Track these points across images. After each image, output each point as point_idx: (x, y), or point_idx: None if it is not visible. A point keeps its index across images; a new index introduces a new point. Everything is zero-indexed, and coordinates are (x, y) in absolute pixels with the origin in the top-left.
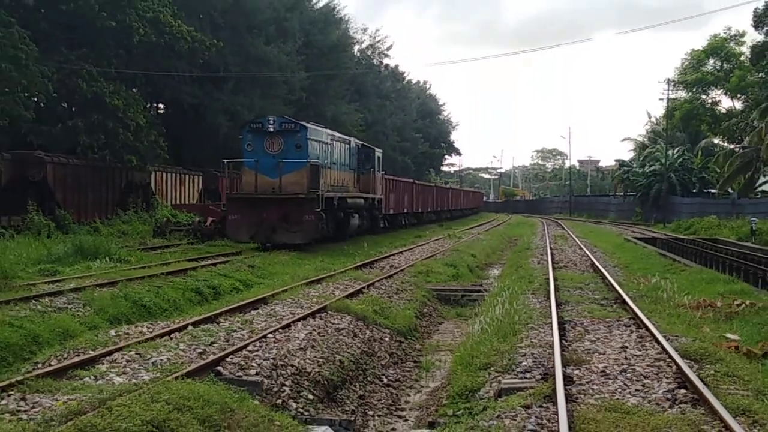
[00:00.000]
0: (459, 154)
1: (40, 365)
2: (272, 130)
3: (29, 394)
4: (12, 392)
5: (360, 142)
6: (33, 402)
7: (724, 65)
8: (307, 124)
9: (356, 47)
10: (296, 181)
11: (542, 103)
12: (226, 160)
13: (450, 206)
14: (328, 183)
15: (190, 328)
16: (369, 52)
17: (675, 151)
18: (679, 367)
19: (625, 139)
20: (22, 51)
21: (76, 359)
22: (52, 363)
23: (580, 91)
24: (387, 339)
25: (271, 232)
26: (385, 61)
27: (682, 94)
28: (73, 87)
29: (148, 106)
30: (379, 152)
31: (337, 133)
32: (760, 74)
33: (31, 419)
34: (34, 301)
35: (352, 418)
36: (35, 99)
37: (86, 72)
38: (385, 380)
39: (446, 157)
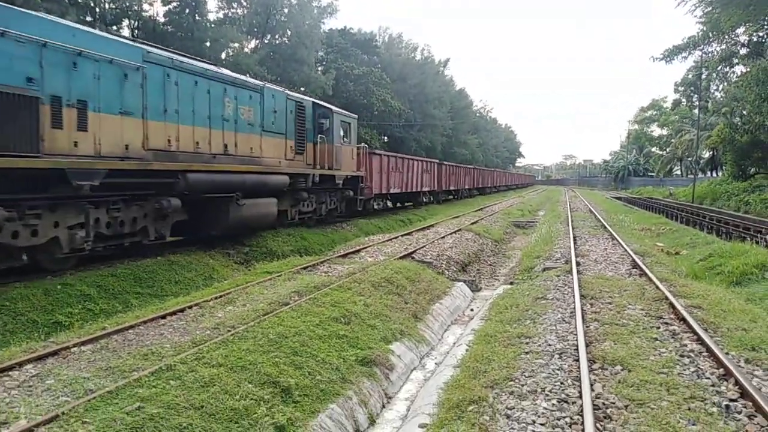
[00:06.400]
0: (523, 156)
1: (335, 253)
2: None
3: (331, 265)
4: (322, 266)
5: (306, 98)
6: (333, 268)
7: (656, 113)
8: None
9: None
10: None
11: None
12: None
13: (509, 183)
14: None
15: (400, 237)
16: (480, 108)
17: (631, 155)
18: (633, 258)
19: (611, 152)
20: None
21: (351, 250)
22: (340, 252)
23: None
24: (489, 243)
25: None
26: (491, 114)
27: (636, 126)
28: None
29: (381, 137)
30: (346, 118)
31: (193, 61)
32: (675, 116)
33: (331, 275)
34: (333, 228)
35: (474, 279)
36: None
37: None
38: (489, 262)
39: (519, 159)
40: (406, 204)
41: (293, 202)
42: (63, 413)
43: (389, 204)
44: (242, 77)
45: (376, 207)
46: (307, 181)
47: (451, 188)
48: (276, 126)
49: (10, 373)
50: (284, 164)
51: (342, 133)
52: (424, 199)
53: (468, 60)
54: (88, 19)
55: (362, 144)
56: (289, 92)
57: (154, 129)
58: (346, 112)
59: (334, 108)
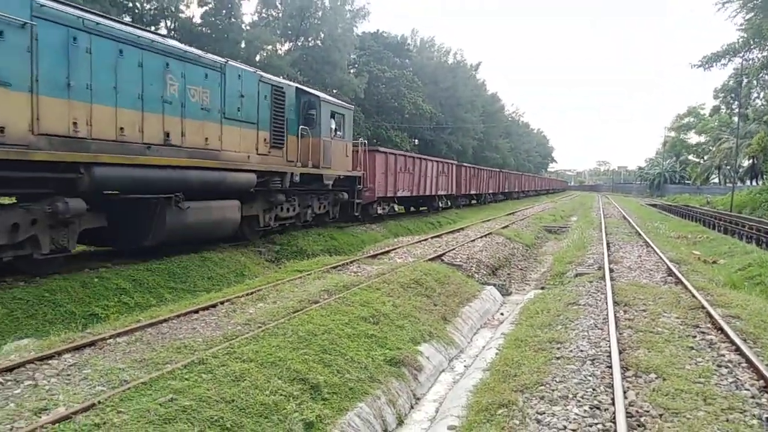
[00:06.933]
0: (556, 162)
1: (364, 253)
2: None
3: (360, 265)
4: (352, 266)
5: (288, 83)
6: (362, 268)
7: (694, 120)
8: None
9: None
10: None
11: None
12: None
13: (539, 188)
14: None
15: (429, 239)
16: (512, 113)
17: (666, 162)
18: (668, 266)
19: (647, 159)
20: (357, 118)
21: (380, 251)
22: (370, 252)
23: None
24: (520, 248)
25: None
26: (522, 119)
27: (673, 133)
28: (380, 134)
29: (411, 140)
30: (339, 109)
31: (118, 24)
32: (716, 122)
33: (360, 275)
34: (364, 227)
35: (504, 283)
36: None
37: (385, 126)
38: (519, 266)
39: (551, 164)
40: (421, 209)
41: (266, 206)
42: (99, 402)
43: (396, 209)
44: (195, 50)
45: (380, 212)
46: (284, 180)
47: (472, 192)
48: (243, 113)
49: (49, 361)
50: (255, 160)
51: (333, 126)
52: (440, 204)
53: (489, 59)
54: (128, 18)
55: (360, 140)
56: (263, 74)
57: (51, 108)
58: (340, 102)
59: (321, 95)
